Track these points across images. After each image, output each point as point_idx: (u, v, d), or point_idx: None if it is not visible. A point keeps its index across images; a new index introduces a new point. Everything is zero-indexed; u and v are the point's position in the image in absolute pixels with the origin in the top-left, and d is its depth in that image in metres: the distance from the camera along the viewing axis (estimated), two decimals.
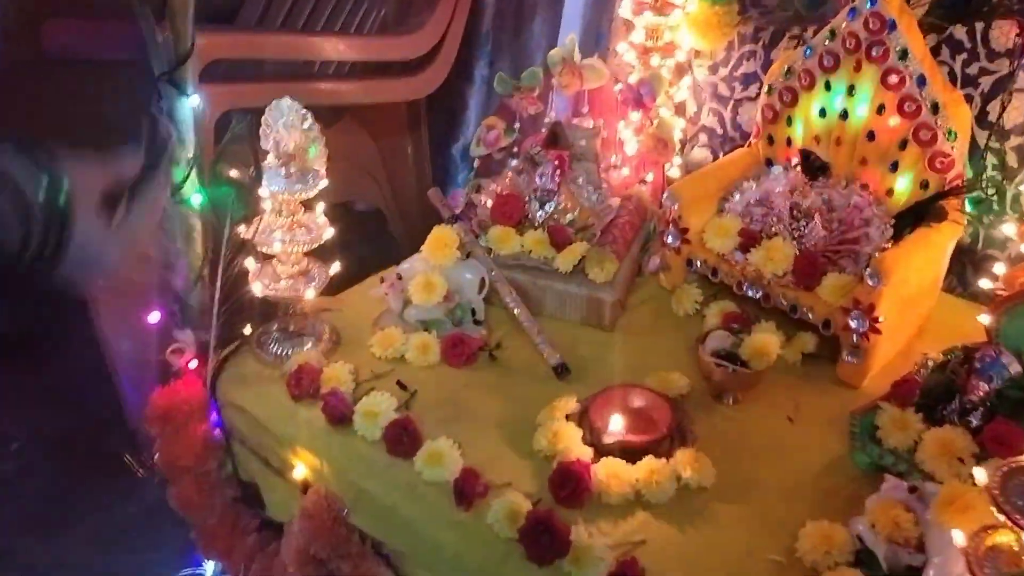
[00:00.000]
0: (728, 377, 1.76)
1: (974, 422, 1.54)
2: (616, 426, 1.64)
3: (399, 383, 1.76)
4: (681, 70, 2.36)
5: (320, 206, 1.83)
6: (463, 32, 2.77)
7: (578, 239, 2.04)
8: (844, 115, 1.98)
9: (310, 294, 1.82)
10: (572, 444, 1.62)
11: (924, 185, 1.90)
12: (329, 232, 1.81)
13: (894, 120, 1.90)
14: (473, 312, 1.96)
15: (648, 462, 1.59)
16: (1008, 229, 2.06)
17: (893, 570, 1.37)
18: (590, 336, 1.98)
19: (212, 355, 1.86)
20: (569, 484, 1.54)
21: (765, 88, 2.09)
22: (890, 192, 1.95)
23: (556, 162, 2.04)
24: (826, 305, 1.87)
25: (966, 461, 1.46)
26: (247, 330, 1.92)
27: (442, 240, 1.94)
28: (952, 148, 1.84)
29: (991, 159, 2.07)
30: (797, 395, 1.81)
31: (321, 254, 1.87)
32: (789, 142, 2.10)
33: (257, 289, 1.81)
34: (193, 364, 1.86)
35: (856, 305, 1.79)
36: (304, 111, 1.69)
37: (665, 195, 2.04)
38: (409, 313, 1.94)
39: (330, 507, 1.64)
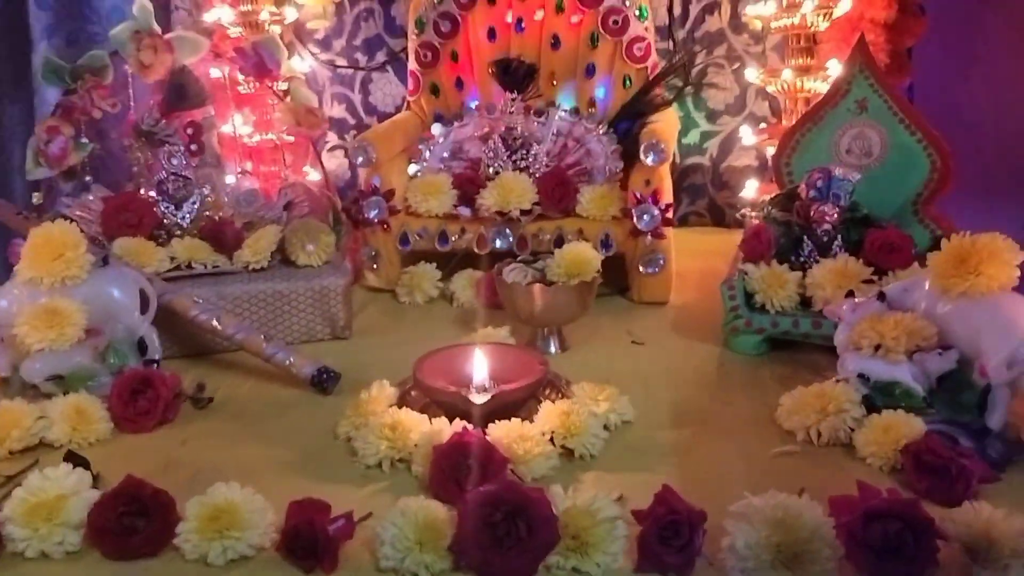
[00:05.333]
0: (559, 299, 1.26)
1: (838, 252, 1.29)
2: (482, 377, 1.03)
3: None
4: (290, 47, 1.85)
5: None
6: None
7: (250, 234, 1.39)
8: (519, 25, 1.68)
9: None
10: (431, 428, 0.98)
11: (626, 82, 1.67)
12: None
13: (576, 16, 1.66)
14: (142, 347, 1.17)
15: (551, 407, 1.02)
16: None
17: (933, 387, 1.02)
18: (324, 352, 1.30)
19: None
20: (463, 465, 0.89)
21: (413, 24, 1.70)
22: (592, 103, 1.69)
23: (189, 130, 1.38)
24: (597, 221, 1.51)
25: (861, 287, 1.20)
26: None
27: (55, 241, 1.12)
28: (646, 29, 1.65)
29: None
30: (616, 328, 1.40)
31: None
32: (460, 84, 1.73)
33: None
34: None
35: (638, 200, 1.45)
36: None
37: (355, 146, 1.51)
38: (29, 370, 1.08)
39: None
